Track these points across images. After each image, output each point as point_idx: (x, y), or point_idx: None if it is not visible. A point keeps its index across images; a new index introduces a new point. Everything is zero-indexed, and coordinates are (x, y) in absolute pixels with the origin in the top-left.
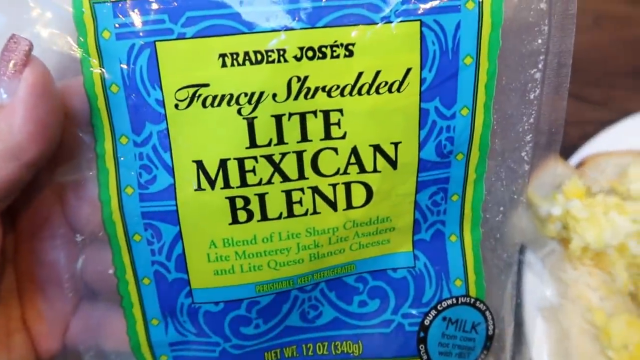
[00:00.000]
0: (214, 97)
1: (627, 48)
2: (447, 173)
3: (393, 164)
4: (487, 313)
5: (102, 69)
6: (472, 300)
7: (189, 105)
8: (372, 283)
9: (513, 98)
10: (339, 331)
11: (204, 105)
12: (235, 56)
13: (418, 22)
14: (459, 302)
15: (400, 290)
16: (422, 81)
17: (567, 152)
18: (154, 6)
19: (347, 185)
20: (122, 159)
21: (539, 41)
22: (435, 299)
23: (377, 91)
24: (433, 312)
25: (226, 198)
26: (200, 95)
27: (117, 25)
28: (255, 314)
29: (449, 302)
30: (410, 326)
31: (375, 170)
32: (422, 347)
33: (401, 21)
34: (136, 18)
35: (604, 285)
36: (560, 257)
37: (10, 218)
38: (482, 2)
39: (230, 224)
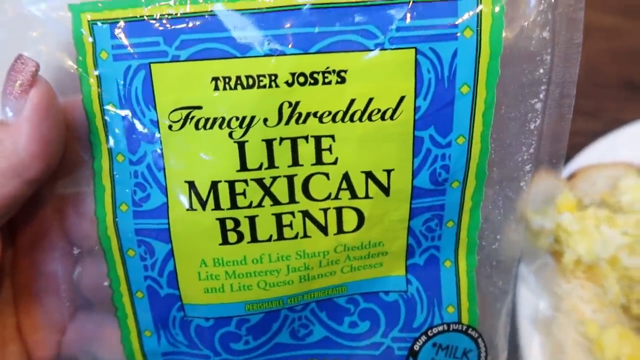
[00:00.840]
0: (207, 120)
1: (617, 59)
2: (442, 200)
3: (385, 190)
4: (480, 340)
5: (100, 88)
6: (464, 327)
7: (182, 127)
8: (363, 305)
9: (512, 127)
10: (328, 350)
11: (196, 127)
12: (227, 80)
13: (413, 50)
14: (451, 328)
15: (391, 313)
16: (416, 109)
17: None
18: (150, 28)
19: (339, 210)
20: (117, 176)
21: (541, 71)
22: (427, 324)
23: (369, 118)
24: (423, 338)
25: (217, 219)
26: (193, 117)
27: (114, 46)
28: (245, 331)
29: (440, 328)
30: (399, 350)
31: (367, 197)
32: None
33: (395, 48)
34: (132, 40)
35: (597, 297)
36: (553, 270)
37: (10, 231)
38: (480, 30)
39: (220, 245)
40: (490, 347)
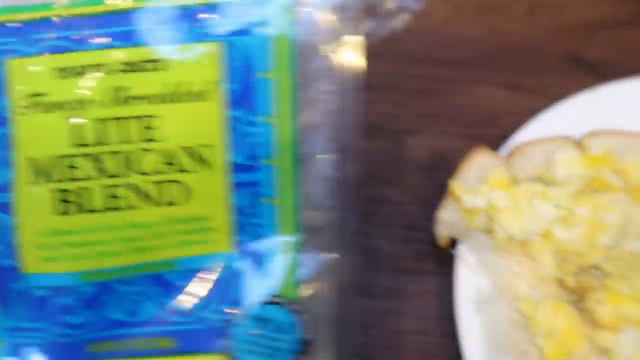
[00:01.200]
0: (49, 104)
1: (561, 34)
2: (258, 177)
3: (206, 165)
4: (303, 316)
5: None
6: (287, 301)
7: (29, 111)
8: (189, 280)
9: (315, 109)
10: (157, 327)
11: (40, 111)
12: (67, 70)
13: (220, 43)
14: (273, 302)
15: (217, 289)
16: (227, 92)
17: (501, 142)
18: (6, 30)
19: (165, 183)
20: None
21: (333, 59)
22: (250, 298)
23: (187, 100)
24: (245, 311)
25: (54, 191)
26: (38, 103)
27: None
28: (81, 304)
29: (263, 301)
30: (221, 323)
31: (190, 171)
32: (231, 345)
33: (207, 41)
34: None
35: (533, 273)
36: (489, 248)
37: None
38: (278, 25)
39: (57, 215)
40: (315, 324)
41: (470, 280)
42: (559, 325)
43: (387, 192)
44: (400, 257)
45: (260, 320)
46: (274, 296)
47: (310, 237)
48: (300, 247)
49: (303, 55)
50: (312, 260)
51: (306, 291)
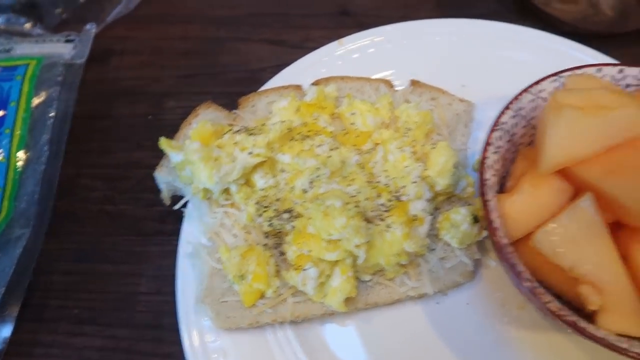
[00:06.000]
0: None
1: None
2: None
3: None
4: None
5: None
6: None
7: None
8: None
9: (41, 125)
10: None
11: None
12: None
13: None
14: None
15: None
16: None
17: None
18: None
19: None
20: None
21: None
22: None
23: None
24: None
25: None
26: None
27: None
28: None
29: None
30: None
31: None
32: None
33: None
34: None
35: (237, 223)
36: (203, 201)
37: None
38: (25, 74)
39: None
40: None
41: (191, 236)
42: (248, 268)
43: (139, 157)
44: (144, 220)
45: None
46: None
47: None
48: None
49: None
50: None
51: None
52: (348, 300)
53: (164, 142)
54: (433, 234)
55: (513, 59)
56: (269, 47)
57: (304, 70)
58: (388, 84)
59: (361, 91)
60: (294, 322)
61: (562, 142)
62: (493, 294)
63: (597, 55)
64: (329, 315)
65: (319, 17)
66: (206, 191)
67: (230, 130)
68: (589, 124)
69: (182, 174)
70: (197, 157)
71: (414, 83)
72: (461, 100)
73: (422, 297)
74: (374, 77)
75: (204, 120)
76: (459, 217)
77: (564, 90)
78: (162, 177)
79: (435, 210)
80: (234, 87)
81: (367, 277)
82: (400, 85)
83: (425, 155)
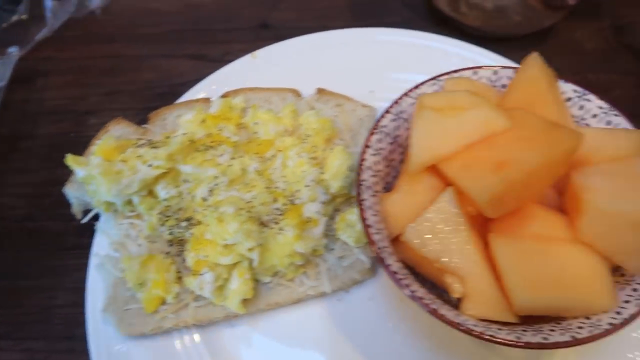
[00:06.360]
0: None
1: (251, 3)
2: None
3: None
4: None
5: None
6: None
7: None
8: None
9: None
10: None
11: None
12: None
13: None
14: None
15: None
16: None
17: None
18: None
19: None
20: None
21: None
22: None
23: None
24: None
25: None
26: None
27: None
28: None
29: None
30: None
31: None
32: None
33: None
34: None
35: (141, 233)
36: (109, 214)
37: None
38: None
39: None
40: None
41: (101, 248)
42: (150, 276)
43: (60, 174)
44: (63, 235)
45: None
46: None
47: None
48: None
49: None
50: None
51: None
52: (247, 302)
53: (70, 159)
54: (332, 235)
55: (421, 64)
56: (190, 62)
57: (217, 83)
58: (295, 93)
59: (269, 101)
60: (200, 327)
61: (423, 142)
62: (393, 288)
63: (498, 58)
64: (232, 317)
65: (240, 31)
66: (109, 204)
67: (135, 144)
68: (446, 124)
69: (89, 188)
70: (98, 172)
71: (320, 91)
72: (364, 106)
73: (322, 295)
74: (285, 86)
75: (108, 136)
76: (354, 217)
77: (428, 94)
78: (72, 192)
79: (335, 212)
80: (154, 102)
81: (267, 279)
82: (309, 94)
83: (325, 160)
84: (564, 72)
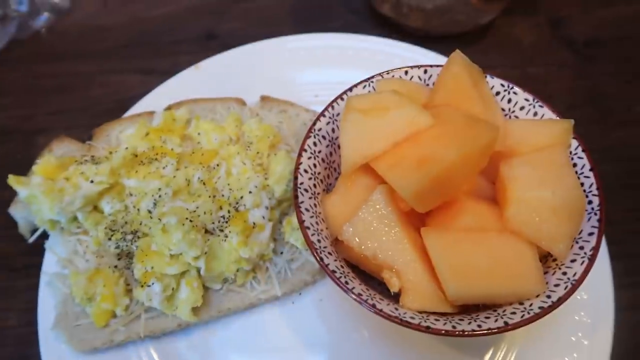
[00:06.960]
0: None
1: (196, 15)
2: None
3: None
4: None
5: None
6: None
7: None
8: None
9: None
10: None
11: None
12: None
13: None
14: None
15: None
16: None
17: None
18: None
19: None
20: None
21: None
22: None
23: None
24: None
25: None
26: None
27: None
28: None
29: None
30: None
31: None
32: None
33: None
34: None
35: (88, 248)
36: (56, 232)
37: None
38: None
39: None
40: None
41: (50, 266)
42: (97, 290)
43: (9, 195)
44: (13, 256)
45: None
46: None
47: None
48: None
49: None
50: None
51: None
52: (199, 310)
53: (11, 179)
54: (281, 239)
55: (363, 67)
56: (139, 76)
57: (162, 96)
58: (240, 101)
59: (213, 111)
60: (155, 338)
61: (352, 144)
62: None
63: (438, 57)
64: (185, 326)
65: (187, 42)
66: (53, 222)
67: (77, 161)
68: (372, 124)
69: (32, 207)
70: (39, 191)
71: (264, 98)
72: (306, 110)
73: (275, 299)
74: (230, 96)
75: (49, 155)
76: None
77: (355, 96)
78: (18, 212)
79: (283, 216)
80: (103, 118)
81: (217, 286)
82: (254, 102)
83: (270, 166)
84: (504, 66)
